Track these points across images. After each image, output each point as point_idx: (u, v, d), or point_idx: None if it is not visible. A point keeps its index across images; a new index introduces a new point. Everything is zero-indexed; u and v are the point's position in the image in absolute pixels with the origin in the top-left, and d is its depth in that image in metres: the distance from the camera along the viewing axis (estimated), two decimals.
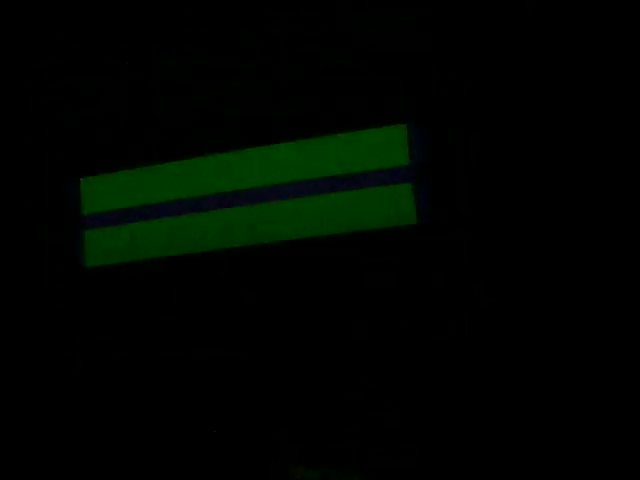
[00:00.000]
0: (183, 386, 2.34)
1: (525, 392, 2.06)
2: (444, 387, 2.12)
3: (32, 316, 2.51)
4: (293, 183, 2.31)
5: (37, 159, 2.56)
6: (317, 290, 2.26)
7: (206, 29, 2.41)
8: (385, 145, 2.23)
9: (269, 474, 2.21)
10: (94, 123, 2.52)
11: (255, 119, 2.34)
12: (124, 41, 2.47)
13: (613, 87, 2.07)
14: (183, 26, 2.43)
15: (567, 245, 2.08)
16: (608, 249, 2.05)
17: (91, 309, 2.45)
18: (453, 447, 2.09)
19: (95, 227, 2.48)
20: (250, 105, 2.34)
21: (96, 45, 2.50)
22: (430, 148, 2.19)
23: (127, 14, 2.47)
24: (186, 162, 2.40)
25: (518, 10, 2.14)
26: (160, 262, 2.41)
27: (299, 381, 2.24)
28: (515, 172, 2.13)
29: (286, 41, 2.34)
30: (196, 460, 2.28)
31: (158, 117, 2.44)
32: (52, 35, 2.54)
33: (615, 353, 2.01)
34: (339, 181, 2.27)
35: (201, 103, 2.40)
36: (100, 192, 2.48)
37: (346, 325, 2.22)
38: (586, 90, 2.09)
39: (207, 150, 2.40)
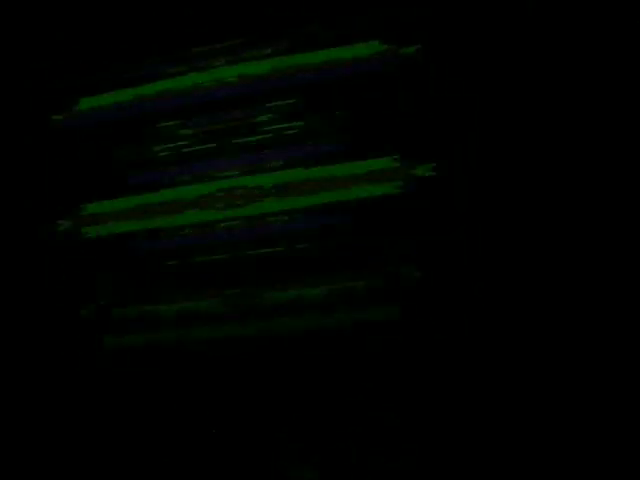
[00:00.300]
0: (183, 385, 2.34)
1: (525, 392, 2.06)
2: (444, 387, 2.12)
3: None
4: None
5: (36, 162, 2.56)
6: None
7: (205, 29, 2.42)
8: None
9: (269, 474, 2.21)
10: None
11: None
12: (123, 41, 2.48)
13: (613, 87, 2.07)
14: (183, 27, 2.43)
15: (567, 246, 2.08)
16: (608, 249, 2.05)
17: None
18: (453, 447, 2.09)
19: None
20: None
21: (96, 45, 2.51)
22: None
23: (127, 14, 2.47)
24: None
25: (518, 10, 2.13)
26: None
27: (299, 381, 2.24)
28: (516, 173, 2.13)
29: (285, 42, 2.34)
30: (196, 460, 2.28)
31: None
32: (52, 35, 2.54)
33: (615, 353, 2.01)
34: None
35: None
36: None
37: (345, 326, 2.23)
38: (586, 90, 2.09)
39: None
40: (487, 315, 2.11)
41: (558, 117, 2.11)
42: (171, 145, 2.44)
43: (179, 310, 2.40)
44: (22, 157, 2.57)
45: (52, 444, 2.43)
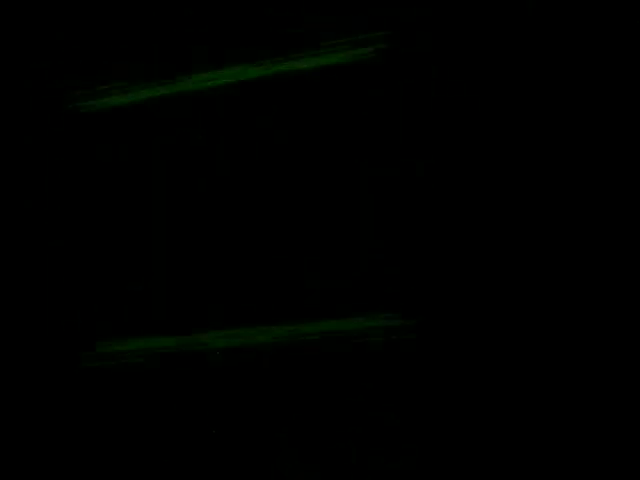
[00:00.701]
0: (183, 385, 2.34)
1: (524, 391, 2.06)
2: (444, 387, 2.12)
3: None
4: None
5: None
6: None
7: (205, 30, 2.42)
8: None
9: (269, 474, 2.21)
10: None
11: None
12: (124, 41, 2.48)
13: (613, 88, 2.07)
14: (183, 27, 2.43)
15: (566, 246, 2.09)
16: (608, 249, 2.05)
17: None
18: (453, 447, 2.09)
19: None
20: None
21: (97, 46, 2.51)
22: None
23: (127, 14, 2.47)
24: None
25: (518, 10, 2.14)
26: None
27: (299, 381, 2.24)
28: (516, 172, 2.14)
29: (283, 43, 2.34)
30: (196, 460, 2.28)
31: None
32: (52, 35, 2.54)
33: (615, 353, 2.02)
34: None
35: None
36: None
37: (346, 324, 2.23)
38: (586, 90, 2.10)
39: None
40: (487, 315, 2.11)
41: (559, 119, 2.12)
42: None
43: (177, 312, 2.40)
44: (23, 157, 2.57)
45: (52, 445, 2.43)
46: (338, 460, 2.17)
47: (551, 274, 2.08)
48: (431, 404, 2.12)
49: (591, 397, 2.01)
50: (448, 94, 2.18)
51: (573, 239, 2.08)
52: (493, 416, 2.07)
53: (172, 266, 2.39)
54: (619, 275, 2.03)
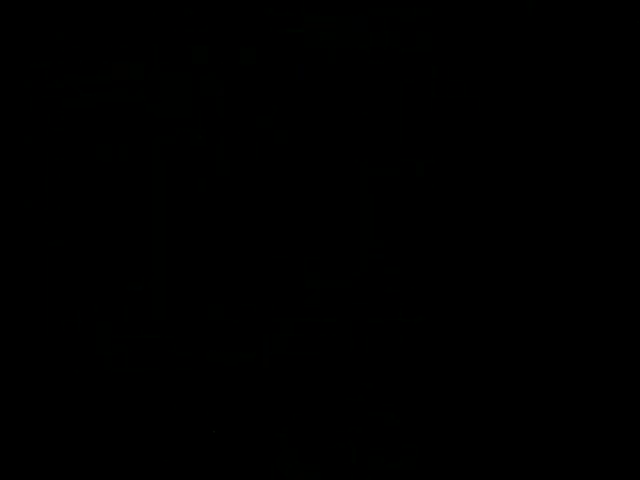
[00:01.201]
0: (182, 385, 2.34)
1: (526, 391, 2.06)
2: (444, 387, 2.12)
3: None
4: None
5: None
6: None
7: (207, 30, 2.41)
8: None
9: (269, 474, 2.21)
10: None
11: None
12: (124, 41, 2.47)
13: (614, 88, 2.07)
14: (183, 27, 2.43)
15: (566, 246, 2.08)
16: (607, 250, 2.05)
17: None
18: (453, 447, 2.09)
19: None
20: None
21: (96, 44, 2.50)
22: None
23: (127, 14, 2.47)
24: None
25: (518, 10, 2.14)
26: None
27: (299, 381, 2.24)
28: (516, 172, 2.13)
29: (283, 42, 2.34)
30: (195, 460, 2.28)
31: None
32: (52, 35, 2.54)
33: (615, 353, 2.02)
34: None
35: None
36: None
37: (346, 324, 2.23)
38: (587, 90, 2.09)
39: None
40: (486, 314, 2.11)
41: (560, 119, 2.12)
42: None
43: (175, 308, 2.39)
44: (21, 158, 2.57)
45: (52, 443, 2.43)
46: (338, 460, 2.17)
47: (555, 275, 2.08)
48: (431, 404, 2.12)
49: (594, 398, 2.01)
50: (448, 94, 2.18)
51: (574, 239, 2.08)
52: (494, 416, 2.07)
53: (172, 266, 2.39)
54: (624, 278, 2.03)
